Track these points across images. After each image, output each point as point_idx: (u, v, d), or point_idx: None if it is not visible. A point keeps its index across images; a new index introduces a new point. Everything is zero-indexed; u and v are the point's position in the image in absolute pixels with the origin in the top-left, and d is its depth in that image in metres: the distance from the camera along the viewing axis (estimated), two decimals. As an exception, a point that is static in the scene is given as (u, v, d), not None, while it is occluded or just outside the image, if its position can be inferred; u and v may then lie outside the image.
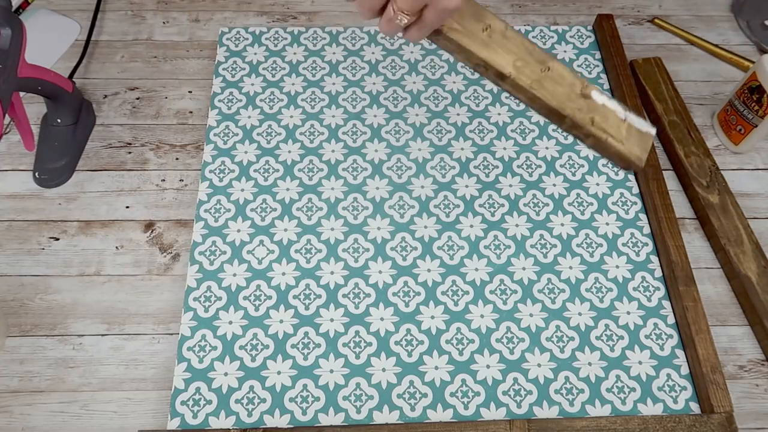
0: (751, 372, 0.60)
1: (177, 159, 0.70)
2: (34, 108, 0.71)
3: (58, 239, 0.65)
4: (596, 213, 0.67)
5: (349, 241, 0.64)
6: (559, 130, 0.73)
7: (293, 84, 0.75)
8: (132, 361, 0.59)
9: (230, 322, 0.60)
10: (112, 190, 0.68)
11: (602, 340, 0.60)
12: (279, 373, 0.58)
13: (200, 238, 0.64)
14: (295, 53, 0.77)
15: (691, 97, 0.77)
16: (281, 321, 0.60)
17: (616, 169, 0.70)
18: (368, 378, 0.58)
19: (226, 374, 0.57)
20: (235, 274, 0.62)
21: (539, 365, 0.59)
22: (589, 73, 0.77)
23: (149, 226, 0.66)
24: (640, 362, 0.59)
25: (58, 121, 0.68)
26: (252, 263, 0.63)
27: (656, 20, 0.84)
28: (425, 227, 0.65)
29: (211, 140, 0.70)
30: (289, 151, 0.70)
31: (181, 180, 0.69)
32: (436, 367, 0.58)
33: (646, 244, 0.65)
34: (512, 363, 0.59)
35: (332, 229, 0.65)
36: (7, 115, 0.58)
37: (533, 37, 0.80)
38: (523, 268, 0.63)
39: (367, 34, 0.79)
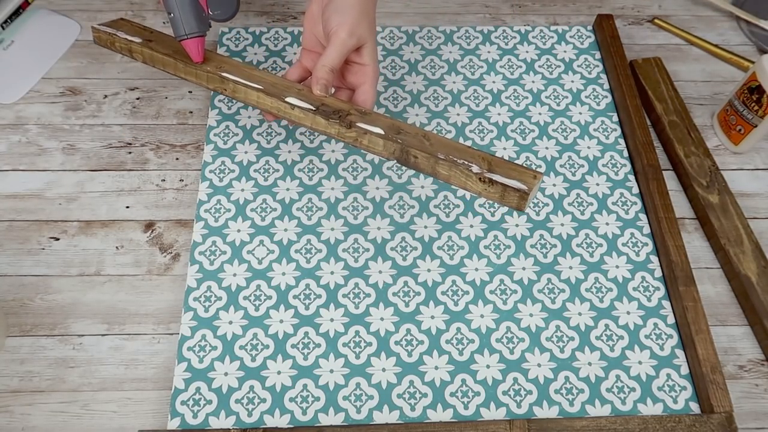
0: (751, 372, 0.60)
1: (177, 159, 0.70)
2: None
3: (58, 239, 0.65)
4: (596, 213, 0.67)
5: (349, 241, 0.64)
6: (559, 130, 0.73)
7: (293, 84, 0.75)
8: (132, 361, 0.59)
9: (230, 322, 0.60)
10: (112, 190, 0.68)
11: (602, 340, 0.60)
12: (279, 373, 0.58)
13: (200, 238, 0.64)
14: (295, 53, 0.77)
15: (691, 97, 0.77)
16: (281, 321, 0.60)
17: (616, 169, 0.70)
18: (368, 378, 0.58)
19: (226, 374, 0.57)
20: (235, 274, 0.62)
21: (539, 365, 0.59)
22: (589, 73, 0.77)
23: (149, 226, 0.66)
24: (640, 362, 0.59)
25: None
26: (252, 263, 0.63)
27: (656, 20, 0.84)
28: (425, 227, 0.65)
29: (211, 140, 0.70)
30: (289, 151, 0.70)
31: (181, 180, 0.69)
32: (436, 367, 0.58)
33: (646, 244, 0.65)
34: (512, 363, 0.59)
35: (332, 229, 0.65)
36: None
37: (533, 37, 0.80)
38: (523, 268, 0.63)
39: (367, 34, 0.79)
